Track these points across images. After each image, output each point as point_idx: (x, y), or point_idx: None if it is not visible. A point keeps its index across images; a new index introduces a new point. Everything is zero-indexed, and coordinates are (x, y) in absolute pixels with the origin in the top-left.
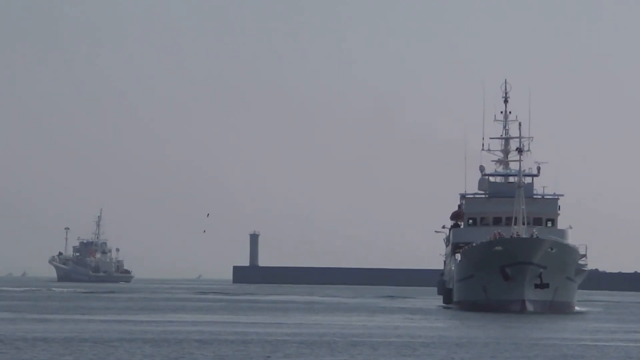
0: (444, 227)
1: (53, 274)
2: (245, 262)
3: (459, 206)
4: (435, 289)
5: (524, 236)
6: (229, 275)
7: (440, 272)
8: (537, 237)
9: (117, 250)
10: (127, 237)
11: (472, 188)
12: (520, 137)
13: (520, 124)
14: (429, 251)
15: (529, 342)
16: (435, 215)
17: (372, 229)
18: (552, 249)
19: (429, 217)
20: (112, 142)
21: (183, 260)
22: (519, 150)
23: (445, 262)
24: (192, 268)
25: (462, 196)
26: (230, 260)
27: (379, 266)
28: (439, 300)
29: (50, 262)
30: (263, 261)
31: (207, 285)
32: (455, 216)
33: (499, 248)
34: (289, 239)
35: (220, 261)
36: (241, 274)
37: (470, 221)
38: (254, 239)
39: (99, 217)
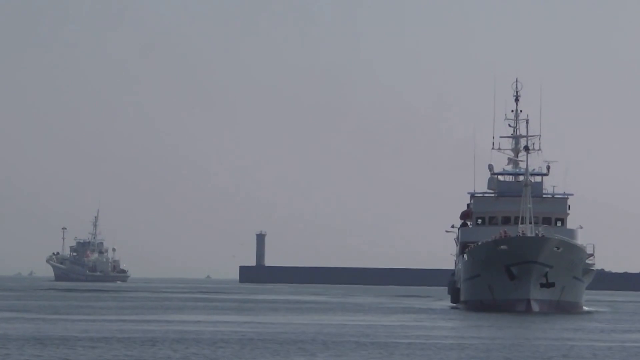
0: (453, 226)
1: (52, 273)
2: (252, 262)
3: (468, 205)
4: (446, 289)
5: (529, 235)
6: (236, 275)
7: (452, 272)
8: (543, 235)
9: (114, 250)
10: (127, 238)
11: (482, 187)
12: (527, 136)
13: (527, 122)
14: (442, 251)
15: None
16: (447, 214)
17: (382, 228)
18: (558, 248)
19: (441, 217)
20: (110, 141)
21: (190, 261)
22: (526, 149)
23: (455, 261)
24: (200, 268)
25: (472, 195)
26: (237, 260)
27: (391, 266)
28: (447, 300)
29: (47, 261)
30: (269, 261)
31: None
32: (465, 215)
33: (504, 247)
34: (296, 238)
35: (227, 261)
36: (248, 274)
37: (479, 220)
38: (260, 239)
39: (96, 217)
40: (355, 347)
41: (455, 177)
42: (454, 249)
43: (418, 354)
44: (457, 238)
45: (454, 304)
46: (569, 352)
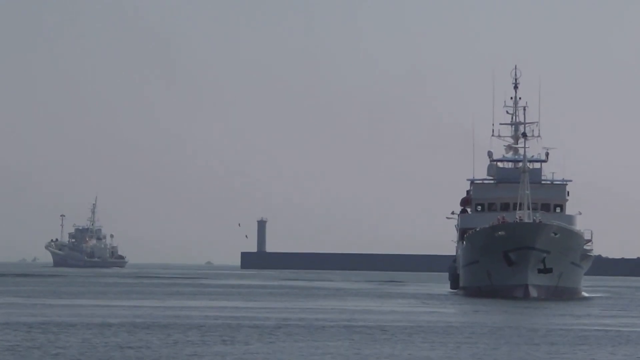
0: (453, 212)
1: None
2: (253, 249)
3: (468, 192)
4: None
5: (527, 221)
6: (237, 261)
7: (453, 258)
8: (540, 221)
9: (112, 236)
10: (127, 224)
11: (482, 174)
12: (525, 123)
13: (525, 109)
14: (444, 237)
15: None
16: (448, 201)
17: (383, 214)
18: (555, 234)
19: (443, 203)
20: (108, 128)
21: (190, 247)
22: (524, 135)
23: (456, 247)
24: (200, 254)
25: (471, 182)
26: (238, 247)
27: (393, 252)
28: (448, 286)
29: (46, 247)
30: (271, 247)
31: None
32: (464, 202)
33: (501, 233)
34: (297, 225)
35: (228, 247)
36: (249, 260)
37: (479, 207)
38: (261, 225)
39: (94, 204)
40: (341, 331)
41: (456, 163)
42: (455, 235)
43: (401, 338)
44: (457, 224)
45: (454, 290)
46: (555, 338)
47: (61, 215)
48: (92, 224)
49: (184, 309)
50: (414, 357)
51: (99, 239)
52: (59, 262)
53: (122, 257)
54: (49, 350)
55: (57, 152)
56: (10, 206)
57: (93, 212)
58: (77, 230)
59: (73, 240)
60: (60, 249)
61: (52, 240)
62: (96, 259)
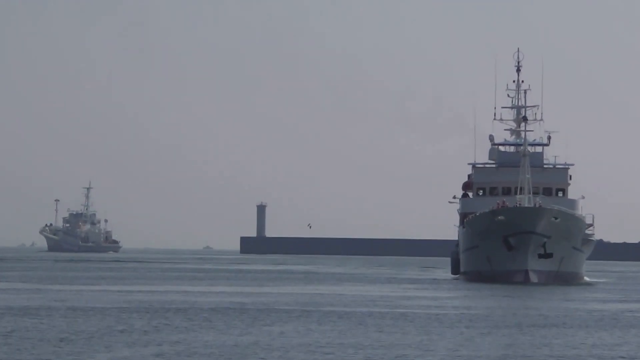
0: (454, 197)
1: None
2: (253, 233)
3: (469, 176)
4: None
5: (527, 205)
6: (236, 246)
7: (455, 243)
8: (540, 206)
9: (106, 221)
10: (122, 209)
11: (483, 158)
12: (526, 106)
13: (526, 92)
14: (447, 222)
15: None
16: (450, 185)
17: (385, 199)
18: (556, 219)
19: (445, 188)
20: (102, 114)
21: (188, 231)
22: (524, 119)
23: (458, 232)
24: (198, 239)
25: (473, 166)
26: (238, 231)
27: (396, 237)
28: (448, 271)
29: (40, 232)
30: (270, 232)
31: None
32: (466, 186)
33: (501, 218)
34: (296, 210)
35: (228, 232)
36: (248, 245)
37: (480, 191)
38: (261, 210)
39: (88, 188)
40: (326, 315)
41: (458, 147)
42: (457, 219)
43: (386, 323)
44: (459, 209)
45: (455, 275)
46: (544, 321)
47: (55, 200)
48: (86, 209)
49: (169, 293)
50: (399, 343)
51: (93, 223)
52: (53, 246)
53: (116, 242)
54: (34, 334)
55: (51, 138)
56: (6, 192)
57: (87, 197)
58: (71, 215)
59: (67, 225)
60: (54, 234)
61: (46, 225)
62: (90, 244)
